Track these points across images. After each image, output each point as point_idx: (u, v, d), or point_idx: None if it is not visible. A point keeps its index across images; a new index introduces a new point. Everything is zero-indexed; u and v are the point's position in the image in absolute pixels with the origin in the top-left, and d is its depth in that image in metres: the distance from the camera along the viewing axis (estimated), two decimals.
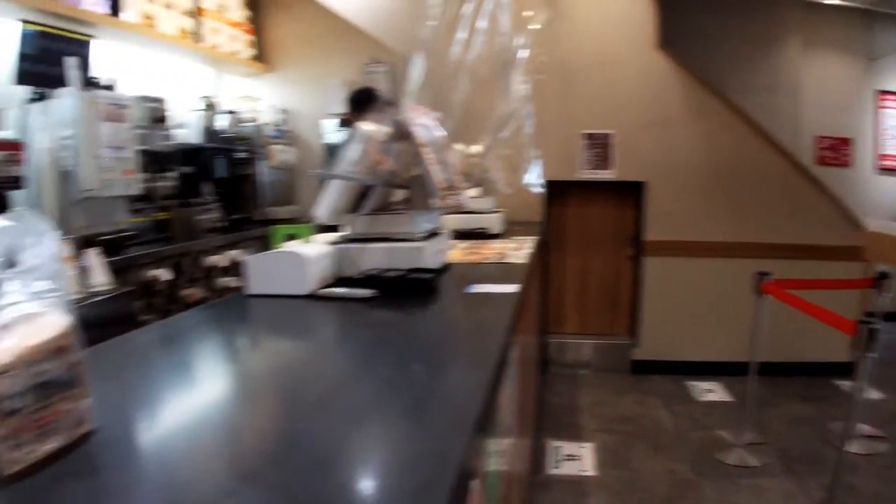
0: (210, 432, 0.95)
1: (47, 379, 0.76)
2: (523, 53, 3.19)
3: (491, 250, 2.73)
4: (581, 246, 5.11)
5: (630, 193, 4.93)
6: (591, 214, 5.09)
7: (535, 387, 3.82)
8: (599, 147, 4.84)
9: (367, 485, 0.77)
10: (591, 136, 4.84)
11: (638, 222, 4.95)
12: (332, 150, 3.65)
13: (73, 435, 0.82)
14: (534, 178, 4.30)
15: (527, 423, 2.86)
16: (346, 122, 3.87)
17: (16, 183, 3.14)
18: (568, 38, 4.65)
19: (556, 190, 4.91)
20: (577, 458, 3.45)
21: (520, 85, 3.20)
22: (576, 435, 3.77)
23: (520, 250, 2.70)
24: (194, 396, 1.15)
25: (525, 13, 3.32)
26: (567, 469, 3.36)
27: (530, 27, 3.29)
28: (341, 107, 3.84)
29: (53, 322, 0.78)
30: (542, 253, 4.38)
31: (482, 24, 2.49)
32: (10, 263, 0.78)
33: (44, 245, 0.79)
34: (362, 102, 3.73)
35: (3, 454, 0.74)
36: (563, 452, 3.53)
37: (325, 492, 0.73)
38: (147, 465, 0.84)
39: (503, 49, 2.66)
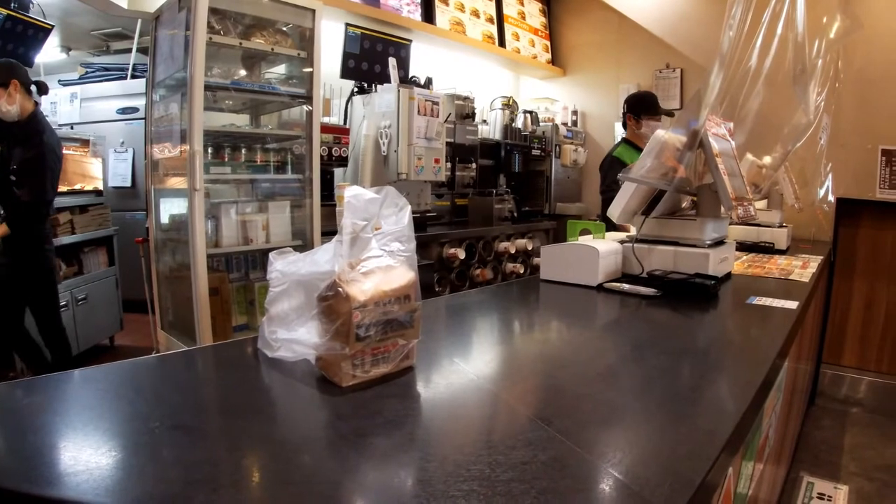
0: (506, 386, 1.06)
1: (391, 318, 0.93)
2: (819, 62, 2.93)
3: (775, 265, 2.57)
4: (870, 273, 4.51)
5: None
6: (884, 239, 4.45)
7: (799, 416, 3.51)
8: None
9: (641, 443, 0.83)
10: (889, 153, 4.25)
11: None
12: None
13: (399, 366, 1.00)
14: (825, 194, 3.92)
15: (784, 451, 2.66)
16: (624, 125, 3.84)
17: (342, 162, 3.64)
18: (866, 47, 4.09)
19: (848, 209, 4.39)
20: (829, 499, 3.12)
21: (815, 95, 2.94)
22: (832, 475, 3.39)
23: (805, 269, 2.50)
24: (495, 354, 1.31)
25: (823, 20, 3.03)
26: None
27: (827, 35, 3.00)
28: (622, 107, 3.82)
29: (402, 275, 0.95)
30: (827, 275, 3.98)
31: (779, 31, 2.34)
32: (374, 226, 0.95)
33: (401, 215, 0.96)
34: (642, 107, 3.72)
35: (347, 369, 0.93)
36: (815, 490, 3.20)
37: (605, 441, 0.82)
38: (450, 402, 0.97)
39: (799, 57, 2.47)
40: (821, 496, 3.14)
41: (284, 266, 1.05)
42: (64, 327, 3.71)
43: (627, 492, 0.67)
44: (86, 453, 0.74)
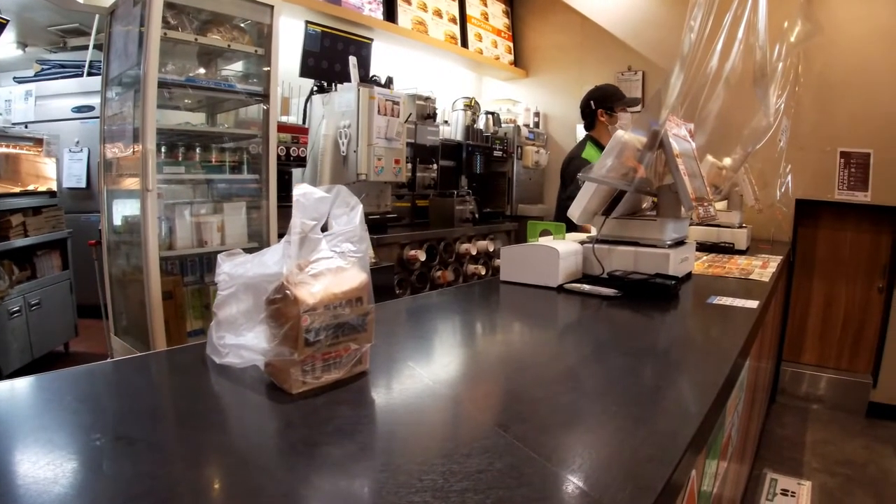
0: (463, 391, 1.05)
1: (342, 321, 0.90)
2: (780, 66, 2.98)
3: (735, 265, 2.60)
4: (828, 271, 4.62)
5: (887, 219, 4.34)
6: (842, 239, 4.56)
7: (761, 413, 3.57)
8: (855, 167, 4.34)
9: (601, 447, 0.82)
10: (847, 155, 4.35)
11: (894, 252, 4.36)
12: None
13: (352, 371, 0.97)
14: (784, 195, 4.00)
15: (747, 449, 2.69)
16: (589, 123, 3.63)
17: (300, 162, 3.58)
18: (826, 51, 4.19)
19: (807, 210, 4.49)
20: (793, 495, 3.17)
21: (775, 98, 2.98)
22: (795, 471, 3.46)
23: (765, 268, 2.54)
24: (452, 358, 1.28)
25: (784, 24, 3.09)
26: None
27: (788, 39, 3.06)
28: (586, 104, 3.61)
29: (354, 277, 0.92)
30: (787, 275, 4.05)
31: (739, 34, 2.38)
32: (324, 227, 0.92)
33: (352, 215, 0.93)
34: (614, 99, 3.50)
35: (296, 376, 0.90)
36: (778, 486, 3.26)
37: (564, 446, 0.80)
38: (405, 409, 0.94)
39: (759, 61, 2.51)
40: (784, 492, 3.19)
41: (232, 268, 1.01)
42: None
43: (587, 499, 0.66)
44: (24, 467, 0.70)
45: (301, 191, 0.90)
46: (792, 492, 3.20)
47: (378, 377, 1.02)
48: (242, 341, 0.97)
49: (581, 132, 5.38)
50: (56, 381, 1.03)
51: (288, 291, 0.87)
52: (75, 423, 0.85)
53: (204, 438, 0.81)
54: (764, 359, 2.88)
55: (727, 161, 3.00)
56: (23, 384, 1.01)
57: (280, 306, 0.88)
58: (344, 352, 0.94)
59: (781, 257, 3.03)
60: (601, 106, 3.52)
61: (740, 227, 3.36)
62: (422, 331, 1.50)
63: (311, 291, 0.88)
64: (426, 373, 1.08)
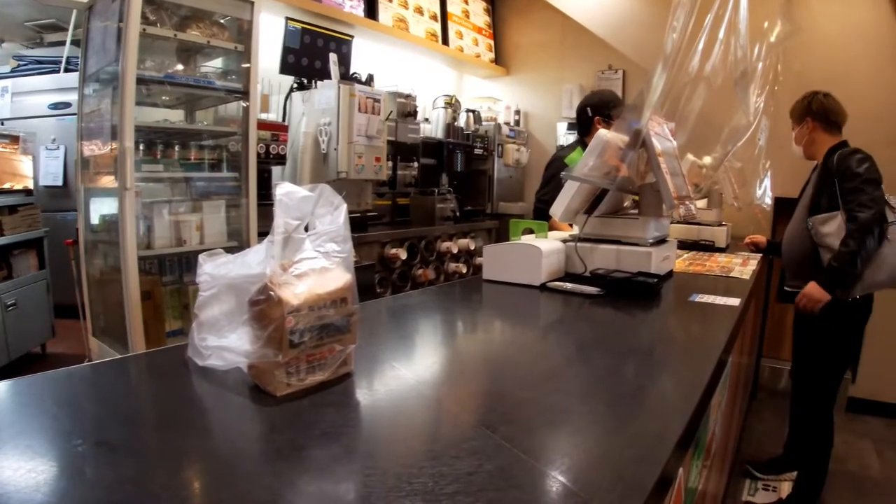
0: (449, 391, 1.04)
1: (327, 323, 0.89)
2: (760, 65, 3.01)
3: (716, 263, 2.62)
4: None
5: None
6: None
7: (742, 409, 3.60)
8: None
9: (589, 448, 0.81)
10: None
11: None
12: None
13: (337, 373, 0.96)
14: (763, 193, 4.03)
15: (729, 444, 2.71)
16: (584, 129, 3.32)
17: (280, 160, 3.55)
18: (806, 51, 4.24)
19: (786, 208, 4.53)
20: (774, 490, 3.21)
21: (755, 97, 3.00)
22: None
23: (745, 266, 2.56)
24: (437, 358, 1.28)
25: (764, 25, 3.12)
26: (762, 499, 3.13)
27: (768, 39, 3.08)
28: (583, 110, 3.31)
29: (338, 277, 0.91)
30: (766, 272, 4.08)
31: (721, 34, 2.39)
32: (307, 226, 0.91)
33: (336, 214, 0.92)
34: (611, 106, 3.26)
35: (280, 378, 0.88)
36: (760, 481, 3.30)
37: (553, 447, 0.80)
38: (391, 410, 0.93)
39: (740, 60, 2.53)
40: (766, 487, 3.22)
41: (214, 268, 0.99)
42: None
43: (577, 500, 0.65)
44: (5, 475, 0.68)
45: (284, 190, 0.88)
46: (773, 486, 3.24)
47: (363, 378, 1.01)
48: (225, 343, 0.96)
49: (562, 130, 5.42)
50: (34, 384, 1.00)
51: (272, 292, 0.85)
52: (55, 429, 0.83)
53: (187, 443, 0.79)
54: (745, 355, 2.91)
55: (707, 159, 3.02)
56: (0, 388, 0.98)
57: (264, 307, 0.87)
58: (329, 353, 0.92)
59: (761, 255, 3.06)
60: (598, 113, 3.24)
61: (720, 225, 3.39)
62: (405, 330, 1.49)
63: (296, 292, 0.87)
64: (411, 373, 1.07)
